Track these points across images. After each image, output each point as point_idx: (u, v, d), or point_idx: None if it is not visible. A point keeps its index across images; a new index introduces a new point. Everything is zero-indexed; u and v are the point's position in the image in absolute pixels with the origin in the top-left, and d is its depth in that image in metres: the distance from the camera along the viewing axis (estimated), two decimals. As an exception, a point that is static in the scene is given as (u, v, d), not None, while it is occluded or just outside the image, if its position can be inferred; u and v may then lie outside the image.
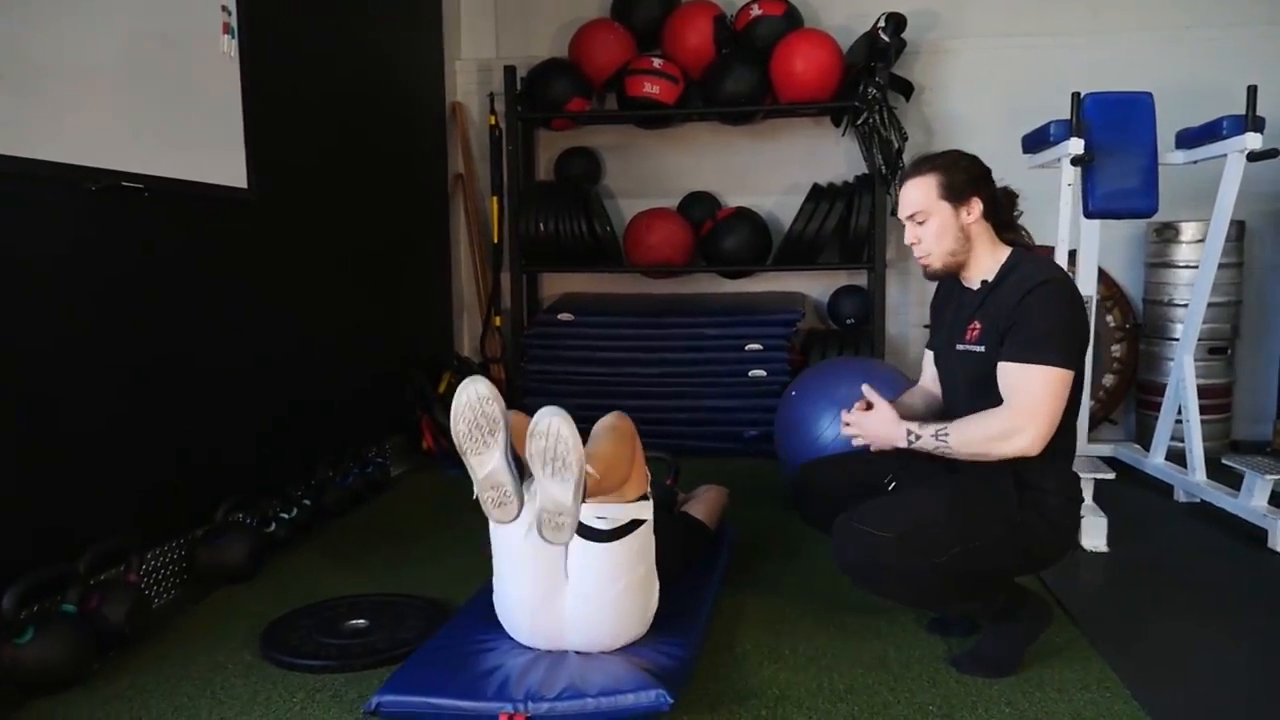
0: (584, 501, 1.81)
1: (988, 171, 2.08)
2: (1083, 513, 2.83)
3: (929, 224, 2.03)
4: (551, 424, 1.69)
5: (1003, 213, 2.09)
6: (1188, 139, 3.31)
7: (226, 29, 2.71)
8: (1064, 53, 4.18)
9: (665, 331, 4.09)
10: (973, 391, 2.02)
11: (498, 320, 4.53)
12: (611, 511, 1.87)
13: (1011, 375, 1.91)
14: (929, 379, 2.29)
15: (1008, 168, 3.79)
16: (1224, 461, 3.07)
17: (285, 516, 2.89)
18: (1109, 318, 4.25)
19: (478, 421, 1.75)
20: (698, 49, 4.21)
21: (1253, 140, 2.98)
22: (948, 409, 2.16)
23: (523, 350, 4.35)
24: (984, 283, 2.04)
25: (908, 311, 4.43)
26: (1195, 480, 3.17)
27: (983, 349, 1.99)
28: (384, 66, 3.94)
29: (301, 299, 3.22)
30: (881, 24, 3.95)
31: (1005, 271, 2.01)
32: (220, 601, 2.45)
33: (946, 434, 1.95)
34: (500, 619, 2.01)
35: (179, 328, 2.58)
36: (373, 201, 3.76)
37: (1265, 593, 2.51)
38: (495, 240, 4.48)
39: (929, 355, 2.29)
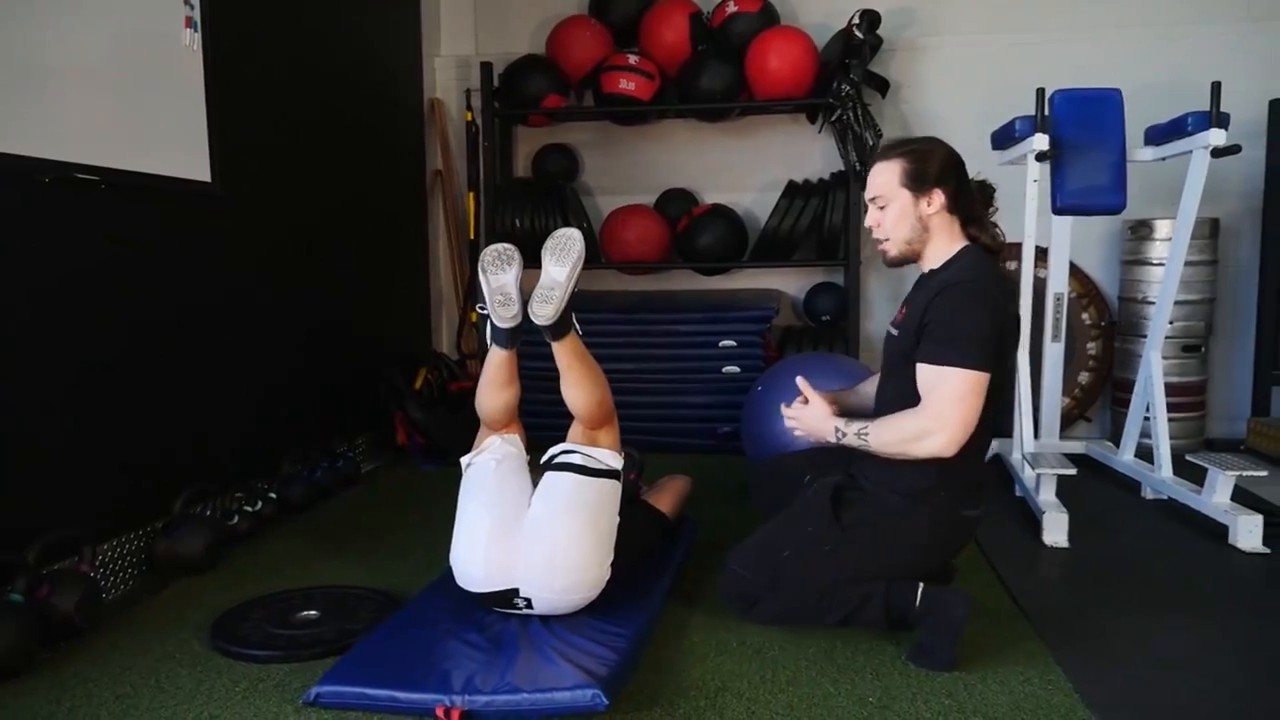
0: (550, 461, 2.13)
1: (959, 164, 2.07)
2: (1043, 508, 2.85)
3: (889, 210, 2.05)
4: (569, 230, 2.19)
5: (968, 208, 2.07)
6: (1155, 135, 3.31)
7: (189, 23, 2.71)
8: (1042, 50, 4.19)
9: (638, 328, 4.08)
10: (890, 372, 2.12)
11: (474, 316, 4.53)
12: (586, 450, 2.14)
13: (926, 377, 1.95)
14: None
15: (982, 164, 3.81)
16: (1188, 458, 3.07)
17: (249, 509, 2.90)
18: (1085, 315, 4.26)
19: (501, 255, 2.19)
20: (674, 46, 4.22)
21: (1216, 136, 2.97)
22: (879, 387, 2.23)
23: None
24: (930, 271, 2.08)
25: (884, 308, 4.43)
26: (1161, 477, 3.16)
27: (898, 333, 2.09)
28: (361, 62, 3.95)
29: (270, 294, 3.22)
30: (856, 21, 3.96)
31: (946, 265, 2.04)
32: (177, 593, 2.45)
33: (867, 433, 2.02)
34: (454, 565, 2.09)
35: (142, 321, 2.58)
36: (347, 197, 3.76)
37: (1221, 589, 2.51)
38: (471, 236, 4.48)
39: None
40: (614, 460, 2.14)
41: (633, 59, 4.20)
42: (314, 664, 1.99)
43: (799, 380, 2.19)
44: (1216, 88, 2.99)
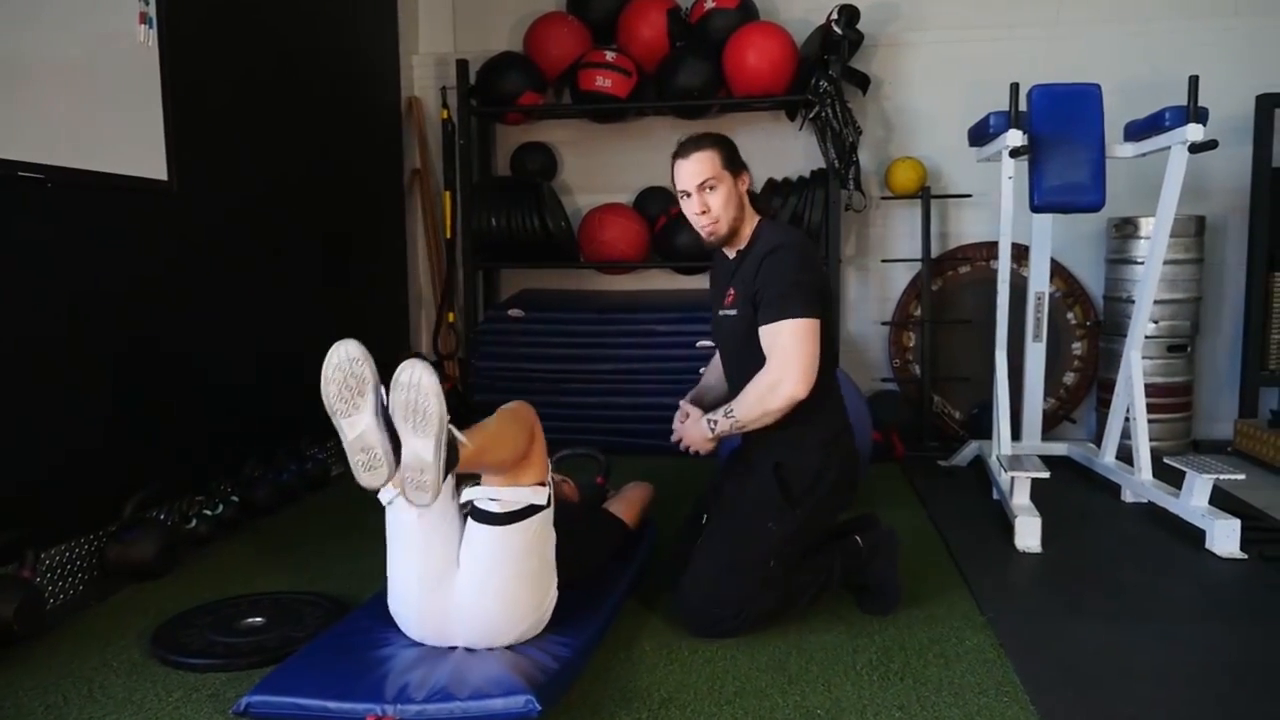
0: (475, 483, 1.87)
1: None
2: (1016, 512, 2.79)
3: (719, 190, 2.20)
4: (413, 374, 1.64)
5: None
6: (1134, 131, 3.25)
7: (143, 19, 2.67)
8: (1025, 46, 4.12)
9: (614, 328, 4.04)
10: (738, 352, 2.27)
11: (451, 316, 4.48)
12: (504, 494, 1.84)
13: (767, 335, 2.15)
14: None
15: (965, 161, 3.79)
16: (1165, 460, 3.00)
17: (209, 513, 2.85)
18: (1070, 315, 4.19)
19: (347, 382, 1.68)
20: (651, 42, 4.16)
21: (1194, 131, 2.91)
22: (726, 374, 2.40)
23: (474, 346, 4.31)
24: (739, 252, 2.28)
25: (864, 307, 4.37)
26: (1141, 480, 3.10)
27: (735, 313, 2.25)
28: (336, 59, 3.90)
29: (240, 295, 3.17)
30: (835, 16, 3.90)
31: (753, 240, 2.25)
32: (125, 599, 2.40)
33: (733, 411, 2.19)
34: (391, 611, 1.98)
35: (100, 321, 2.54)
36: (322, 196, 3.71)
37: (1195, 595, 2.44)
38: (449, 235, 4.44)
39: None
40: (535, 495, 1.87)
41: (610, 56, 4.15)
42: (253, 673, 1.93)
43: (682, 402, 2.40)
44: (1194, 82, 2.92)
